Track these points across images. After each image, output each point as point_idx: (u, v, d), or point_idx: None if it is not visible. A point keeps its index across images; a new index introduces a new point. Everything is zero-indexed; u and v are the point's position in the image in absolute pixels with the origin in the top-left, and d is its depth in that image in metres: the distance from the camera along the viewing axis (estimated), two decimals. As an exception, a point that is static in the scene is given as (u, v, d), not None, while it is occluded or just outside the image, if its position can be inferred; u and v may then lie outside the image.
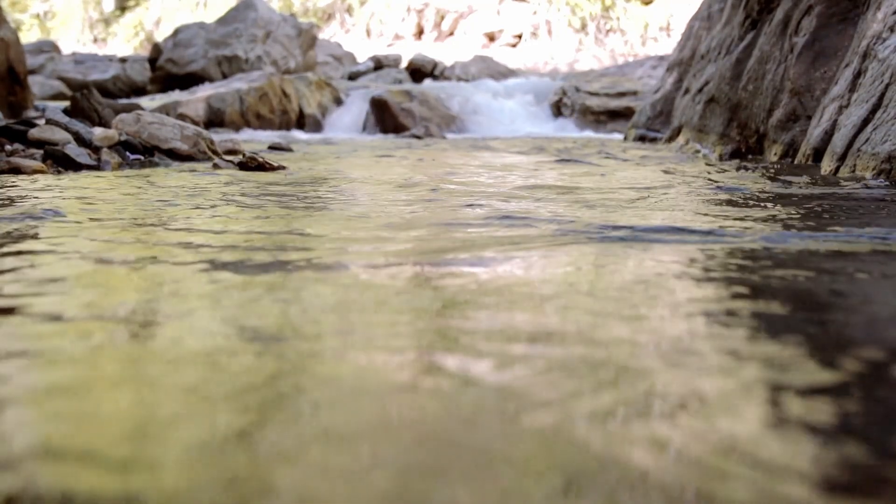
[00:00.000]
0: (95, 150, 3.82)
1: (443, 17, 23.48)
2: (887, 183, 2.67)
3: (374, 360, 0.78)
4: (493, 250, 1.40)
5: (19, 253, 1.40)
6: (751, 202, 2.23)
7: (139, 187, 2.75)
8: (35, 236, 1.58)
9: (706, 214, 1.96)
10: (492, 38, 22.72)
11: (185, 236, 1.61)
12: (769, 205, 2.15)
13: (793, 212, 1.99)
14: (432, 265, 1.29)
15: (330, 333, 0.89)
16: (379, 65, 15.20)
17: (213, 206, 2.14)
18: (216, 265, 1.28)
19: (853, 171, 3.00)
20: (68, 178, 3.06)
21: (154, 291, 1.11)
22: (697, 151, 5.17)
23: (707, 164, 4.09)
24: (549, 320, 0.93)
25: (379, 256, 1.35)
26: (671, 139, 6.30)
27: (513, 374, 0.72)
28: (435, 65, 14.58)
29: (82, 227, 1.72)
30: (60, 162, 3.54)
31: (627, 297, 1.04)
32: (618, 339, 0.85)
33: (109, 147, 3.89)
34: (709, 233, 1.59)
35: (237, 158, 3.93)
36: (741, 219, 1.85)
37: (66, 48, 21.28)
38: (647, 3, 22.34)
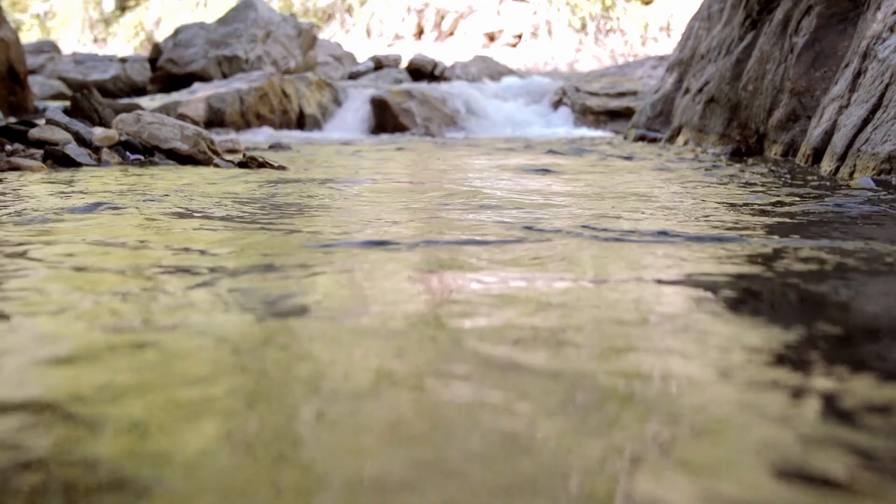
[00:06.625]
0: (96, 149, 3.82)
1: (443, 17, 23.48)
2: None
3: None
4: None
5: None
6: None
7: (137, 184, 2.76)
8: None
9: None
10: (492, 38, 22.72)
11: (187, 236, 1.61)
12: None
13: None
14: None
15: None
16: (379, 65, 15.19)
17: (214, 204, 2.14)
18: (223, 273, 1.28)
19: (853, 171, 3.00)
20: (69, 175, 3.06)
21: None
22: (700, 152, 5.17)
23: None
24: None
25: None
26: (671, 139, 6.30)
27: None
28: (435, 65, 14.57)
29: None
30: (61, 162, 3.54)
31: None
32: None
33: (109, 147, 3.89)
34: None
35: (237, 158, 3.93)
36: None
37: (66, 48, 21.28)
38: (647, 3, 22.34)
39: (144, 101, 9.41)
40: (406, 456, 0.56)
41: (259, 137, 7.80)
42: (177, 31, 13.28)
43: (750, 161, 4.26)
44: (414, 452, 0.57)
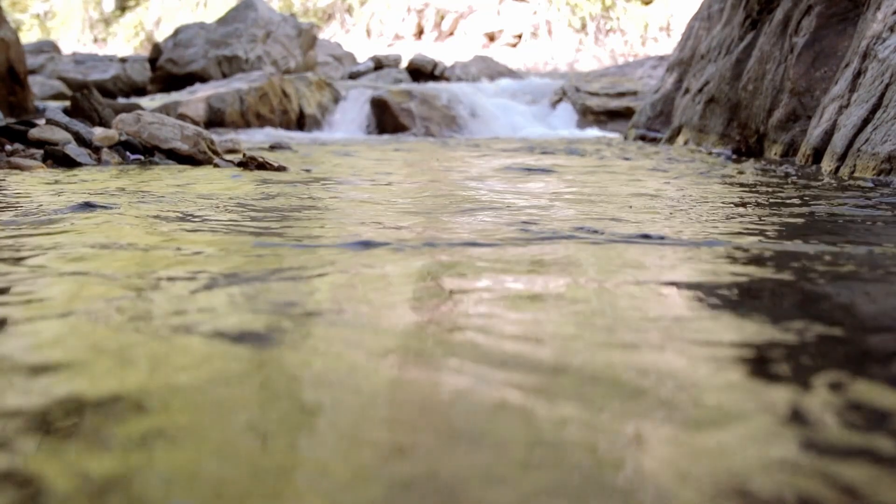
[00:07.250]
0: (96, 149, 3.82)
1: (443, 17, 23.49)
2: None
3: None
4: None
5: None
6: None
7: (137, 185, 2.75)
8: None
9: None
10: (492, 38, 22.73)
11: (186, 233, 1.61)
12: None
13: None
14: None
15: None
16: (379, 65, 15.20)
17: (214, 206, 2.14)
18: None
19: (853, 171, 3.00)
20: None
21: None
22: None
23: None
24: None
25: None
26: (671, 139, 6.30)
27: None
28: (435, 65, 14.58)
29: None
30: (60, 162, 3.54)
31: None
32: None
33: (109, 147, 3.89)
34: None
35: (237, 158, 3.93)
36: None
37: (66, 48, 21.30)
38: (647, 3, 22.35)
39: (144, 101, 9.41)
40: (410, 450, 0.56)
41: (259, 137, 7.80)
42: (177, 31, 13.29)
43: (750, 161, 4.26)
44: (419, 447, 0.57)
